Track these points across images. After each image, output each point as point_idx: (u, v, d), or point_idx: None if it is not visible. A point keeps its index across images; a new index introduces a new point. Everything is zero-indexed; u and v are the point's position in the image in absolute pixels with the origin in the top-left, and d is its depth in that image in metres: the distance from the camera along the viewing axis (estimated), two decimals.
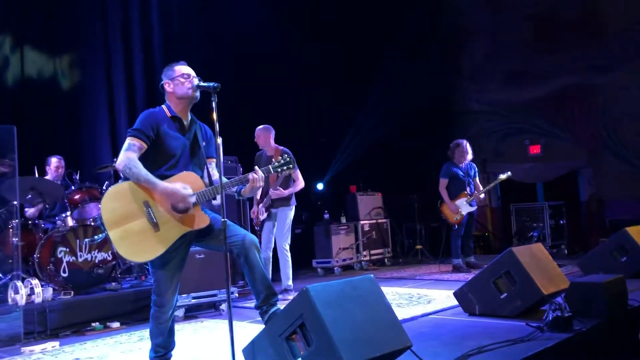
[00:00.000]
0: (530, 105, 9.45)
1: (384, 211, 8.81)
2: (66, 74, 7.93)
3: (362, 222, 8.34)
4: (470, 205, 6.98)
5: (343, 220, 8.29)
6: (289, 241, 5.76)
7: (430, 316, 4.39)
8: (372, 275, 2.96)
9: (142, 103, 7.98)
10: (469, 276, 6.02)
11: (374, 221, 8.54)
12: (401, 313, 4.36)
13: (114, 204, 2.82)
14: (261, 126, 5.84)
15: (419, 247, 8.93)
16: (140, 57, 8.23)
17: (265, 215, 5.75)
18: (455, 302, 4.42)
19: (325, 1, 9.80)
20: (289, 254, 5.74)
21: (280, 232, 5.73)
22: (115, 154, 5.96)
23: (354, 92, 10.02)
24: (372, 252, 8.37)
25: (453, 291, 4.47)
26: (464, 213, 6.97)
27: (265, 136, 5.77)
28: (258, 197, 5.85)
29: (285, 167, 3.12)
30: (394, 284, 6.36)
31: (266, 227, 5.78)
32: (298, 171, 5.61)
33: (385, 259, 8.60)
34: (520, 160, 9.52)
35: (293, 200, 5.83)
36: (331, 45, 9.75)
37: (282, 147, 5.73)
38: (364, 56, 10.17)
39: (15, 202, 5.15)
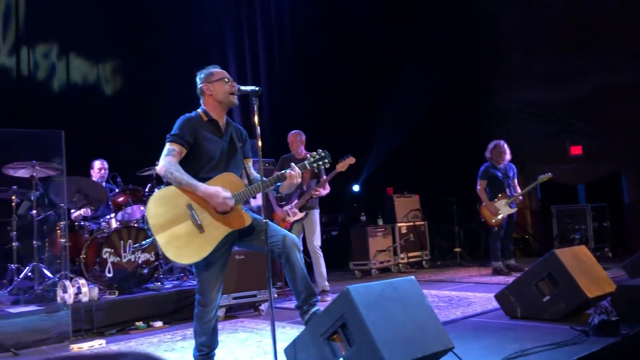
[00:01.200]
0: (570, 105, 9.25)
1: (421, 213, 8.76)
2: (109, 80, 8.17)
3: (399, 224, 8.31)
4: (510, 207, 6.88)
5: (380, 222, 8.28)
6: (320, 242, 5.85)
7: (471, 319, 4.35)
8: (413, 277, 2.96)
9: (181, 110, 8.12)
10: (509, 279, 5.94)
11: (411, 223, 8.49)
12: (441, 315, 4.34)
13: (158, 209, 2.88)
14: (293, 131, 5.93)
15: (457, 249, 8.83)
16: (176, 63, 8.39)
17: (298, 216, 5.80)
18: (496, 304, 4.37)
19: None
20: (321, 254, 5.81)
21: (312, 233, 5.80)
22: (155, 157, 6.07)
23: (389, 91, 9.98)
24: (410, 254, 8.32)
25: (494, 294, 4.42)
26: (503, 215, 6.87)
27: (298, 141, 5.86)
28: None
29: (320, 162, 3.15)
30: (432, 287, 6.31)
31: (295, 228, 5.84)
32: (325, 176, 5.70)
33: (423, 262, 8.53)
34: (560, 161, 9.33)
35: (318, 203, 5.93)
36: (365, 43, 9.76)
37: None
38: (399, 55, 10.10)
39: (63, 205, 5.32)
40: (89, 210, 5.92)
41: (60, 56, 7.73)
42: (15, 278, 5.27)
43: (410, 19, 9.94)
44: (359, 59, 9.83)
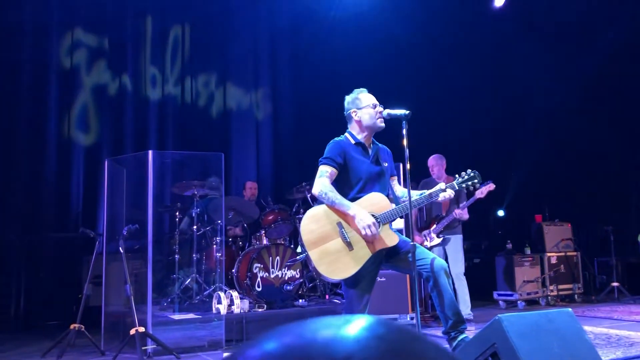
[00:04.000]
0: None
1: (573, 243, 8.16)
2: (260, 106, 8.74)
3: (548, 254, 7.81)
4: None
5: (527, 251, 7.85)
6: (463, 268, 5.68)
7: None
8: (570, 309, 2.79)
9: (327, 134, 8.44)
10: None
11: (562, 253, 7.94)
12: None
13: (311, 226, 3.04)
14: (435, 155, 5.88)
15: (615, 284, 8.09)
16: (326, 92, 8.75)
17: (435, 241, 5.70)
18: None
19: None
20: (465, 281, 5.64)
21: (455, 259, 5.66)
22: (301, 179, 6.39)
23: (532, 109, 9.48)
24: (560, 286, 7.77)
25: None
26: None
27: (439, 165, 5.79)
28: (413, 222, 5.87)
29: (470, 183, 3.10)
30: (587, 323, 5.83)
31: (436, 253, 5.72)
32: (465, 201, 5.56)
33: (575, 295, 7.92)
34: None
35: (461, 229, 5.76)
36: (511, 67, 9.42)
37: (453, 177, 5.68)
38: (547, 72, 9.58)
39: (219, 222, 5.76)
40: (241, 230, 6.33)
41: (218, 85, 8.45)
42: (177, 288, 5.78)
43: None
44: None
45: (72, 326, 4.60)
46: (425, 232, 5.76)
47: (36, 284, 6.73)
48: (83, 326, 4.65)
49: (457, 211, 5.56)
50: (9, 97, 6.90)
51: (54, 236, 6.94)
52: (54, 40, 7.43)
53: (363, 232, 2.97)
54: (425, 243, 5.74)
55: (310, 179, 5.67)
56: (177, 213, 6.04)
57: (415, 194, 3.15)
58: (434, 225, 5.73)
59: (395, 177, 3.42)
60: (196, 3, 8.22)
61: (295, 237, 6.64)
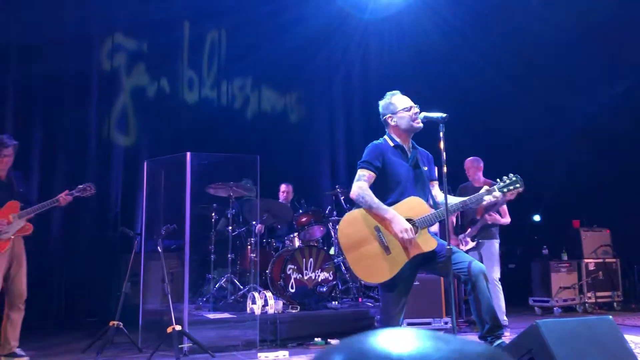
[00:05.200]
0: None
1: (612, 250, 7.97)
2: (294, 109, 8.82)
3: (586, 260, 7.65)
4: None
5: (564, 257, 7.71)
6: (499, 274, 5.60)
7: None
8: (610, 317, 2.74)
9: (360, 136, 8.47)
10: None
11: (601, 260, 7.77)
12: None
13: (349, 229, 3.05)
14: (471, 158, 5.82)
15: None
16: (359, 95, 8.78)
17: (469, 245, 5.64)
18: None
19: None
20: (500, 286, 5.56)
21: (490, 265, 5.57)
22: (335, 182, 6.43)
23: (572, 111, 9.28)
24: (598, 294, 7.59)
25: None
26: None
27: (475, 168, 5.73)
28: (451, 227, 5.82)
29: (512, 187, 3.07)
30: (627, 332, 5.68)
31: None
32: (505, 206, 5.48)
33: (614, 303, 7.73)
34: None
35: (498, 234, 5.67)
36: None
37: (491, 181, 5.62)
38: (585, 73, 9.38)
39: (255, 223, 5.82)
40: (262, 228, 6.42)
41: (253, 88, 8.56)
42: (212, 287, 5.86)
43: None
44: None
45: (111, 323, 4.72)
46: (461, 236, 5.71)
47: (76, 282, 6.92)
48: (122, 323, 4.76)
49: (487, 216, 5.51)
50: (53, 99, 7.12)
51: (94, 235, 7.12)
52: (96, 44, 7.64)
53: (399, 237, 2.97)
54: (461, 247, 5.69)
55: (343, 181, 5.74)
56: (213, 214, 6.13)
57: (455, 200, 3.13)
58: (469, 229, 5.68)
59: (436, 182, 3.38)
60: (232, 8, 8.34)
61: (327, 239, 6.66)
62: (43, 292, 6.81)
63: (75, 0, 7.17)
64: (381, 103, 3.36)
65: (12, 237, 4.44)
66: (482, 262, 5.65)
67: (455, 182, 6.19)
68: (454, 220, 5.89)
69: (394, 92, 3.36)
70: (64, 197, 4.50)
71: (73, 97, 7.30)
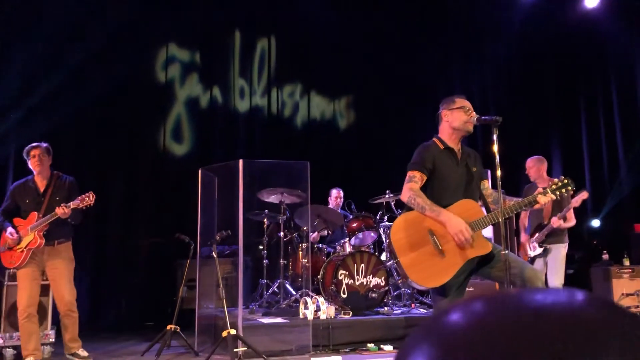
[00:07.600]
0: None
1: None
2: (343, 115, 8.84)
3: None
4: None
5: (626, 262, 7.40)
6: (562, 280, 5.41)
7: None
8: None
9: (410, 140, 8.40)
10: None
11: None
12: None
13: (402, 233, 3.01)
14: (534, 157, 5.65)
15: None
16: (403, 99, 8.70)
17: (537, 251, 5.48)
18: None
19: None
20: None
21: (554, 271, 5.39)
22: (386, 186, 6.37)
23: (630, 113, 8.95)
24: None
25: None
26: None
27: (537, 167, 5.55)
28: (523, 232, 5.66)
29: (563, 190, 2.97)
30: None
31: (537, 264, 5.50)
32: (572, 210, 5.30)
33: None
34: None
35: (567, 237, 5.47)
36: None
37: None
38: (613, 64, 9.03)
39: (305, 228, 5.86)
40: (318, 236, 6.44)
41: (302, 95, 8.64)
42: (265, 292, 5.93)
43: None
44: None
45: (168, 327, 4.84)
46: (530, 240, 5.57)
47: (134, 287, 7.15)
48: (179, 327, 4.88)
49: (554, 220, 5.33)
50: (112, 110, 7.39)
51: (151, 241, 7.34)
52: (151, 55, 7.89)
53: (456, 238, 2.90)
54: (529, 252, 5.55)
55: (393, 186, 5.69)
56: (265, 220, 6.21)
57: (510, 202, 3.05)
58: (536, 234, 5.51)
59: (486, 180, 3.32)
60: (281, 16, 8.46)
61: (379, 244, 6.62)
62: (104, 296, 7.07)
63: (130, 14, 7.43)
64: (443, 101, 3.33)
65: (25, 250, 4.39)
66: (547, 267, 5.47)
67: (509, 185, 6.03)
68: (526, 222, 5.74)
69: (460, 94, 3.33)
70: (62, 210, 4.29)
71: (130, 108, 7.55)
